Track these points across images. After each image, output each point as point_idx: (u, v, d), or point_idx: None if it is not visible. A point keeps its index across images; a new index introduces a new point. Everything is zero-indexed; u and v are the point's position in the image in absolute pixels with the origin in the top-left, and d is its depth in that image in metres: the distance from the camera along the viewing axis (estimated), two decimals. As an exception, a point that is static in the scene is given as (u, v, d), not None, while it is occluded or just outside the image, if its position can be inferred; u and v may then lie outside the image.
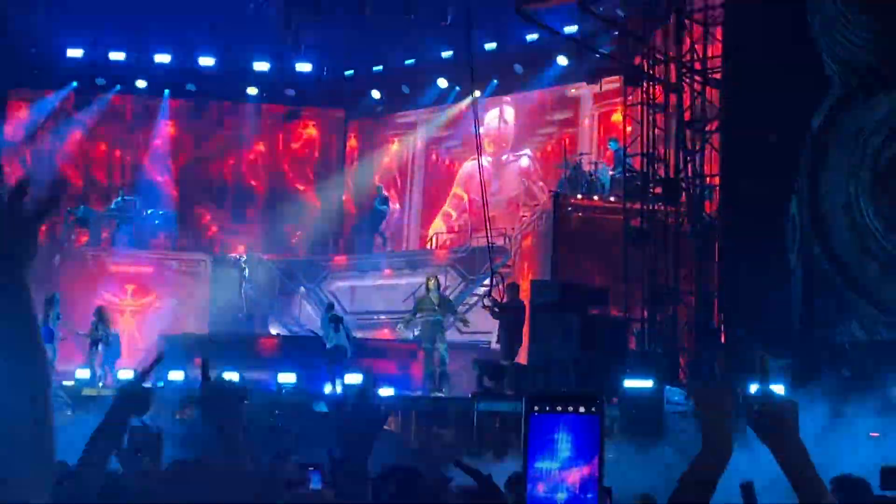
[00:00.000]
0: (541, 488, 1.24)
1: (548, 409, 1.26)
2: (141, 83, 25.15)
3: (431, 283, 16.92)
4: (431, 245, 24.47)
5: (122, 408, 2.88)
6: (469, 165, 23.84)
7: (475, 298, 20.26)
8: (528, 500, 1.24)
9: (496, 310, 15.47)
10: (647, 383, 11.58)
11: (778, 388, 11.21)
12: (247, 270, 23.35)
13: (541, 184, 23.27)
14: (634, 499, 6.08)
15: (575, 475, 1.23)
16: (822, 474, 2.37)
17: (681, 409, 11.32)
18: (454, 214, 25.31)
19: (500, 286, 16.14)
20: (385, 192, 24.78)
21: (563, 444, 1.25)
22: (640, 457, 9.67)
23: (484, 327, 18.48)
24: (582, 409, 1.26)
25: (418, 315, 16.59)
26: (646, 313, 14.08)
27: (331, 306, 18.81)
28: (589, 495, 1.23)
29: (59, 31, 24.06)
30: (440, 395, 15.24)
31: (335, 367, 15.93)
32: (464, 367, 16.47)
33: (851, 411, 9.92)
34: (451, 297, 18.64)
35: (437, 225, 25.37)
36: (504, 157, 24.55)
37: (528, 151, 24.32)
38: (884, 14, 12.37)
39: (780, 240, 12.95)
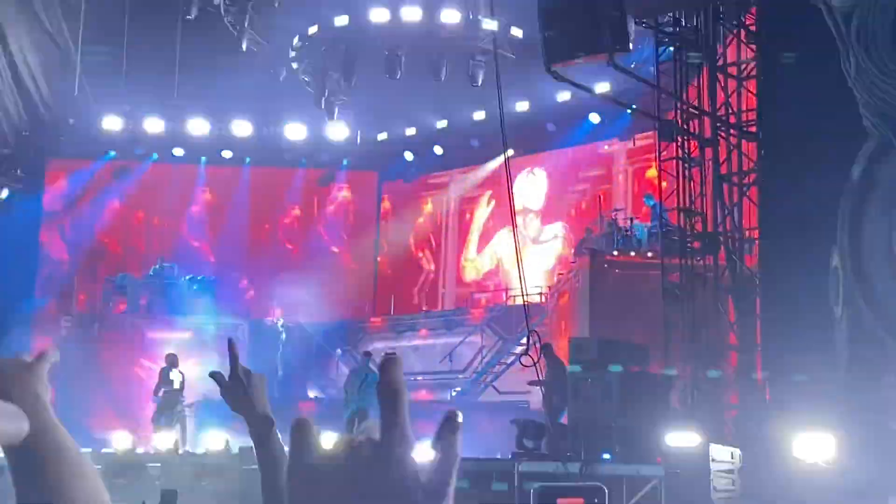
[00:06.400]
0: None
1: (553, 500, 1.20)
2: (178, 151, 25.50)
3: None
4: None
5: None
6: (502, 235, 23.83)
7: (512, 357, 20.10)
8: None
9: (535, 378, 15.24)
10: (692, 442, 11.35)
11: (826, 443, 10.98)
12: (284, 334, 23.35)
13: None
14: None
15: None
16: None
17: (726, 468, 11.08)
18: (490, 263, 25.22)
19: (538, 345, 15.98)
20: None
21: None
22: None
23: (522, 387, 18.29)
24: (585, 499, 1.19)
25: None
26: (688, 370, 13.86)
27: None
28: None
29: (97, 101, 24.47)
30: None
31: None
32: (502, 427, 16.27)
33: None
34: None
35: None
36: (539, 236, 24.35)
37: (560, 229, 23.99)
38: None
39: (822, 292, 12.75)
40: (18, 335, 20.82)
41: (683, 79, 14.52)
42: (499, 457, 14.77)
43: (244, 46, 23.59)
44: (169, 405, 17.36)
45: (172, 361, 17.96)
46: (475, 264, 25.67)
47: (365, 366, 16.09)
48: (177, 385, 17.54)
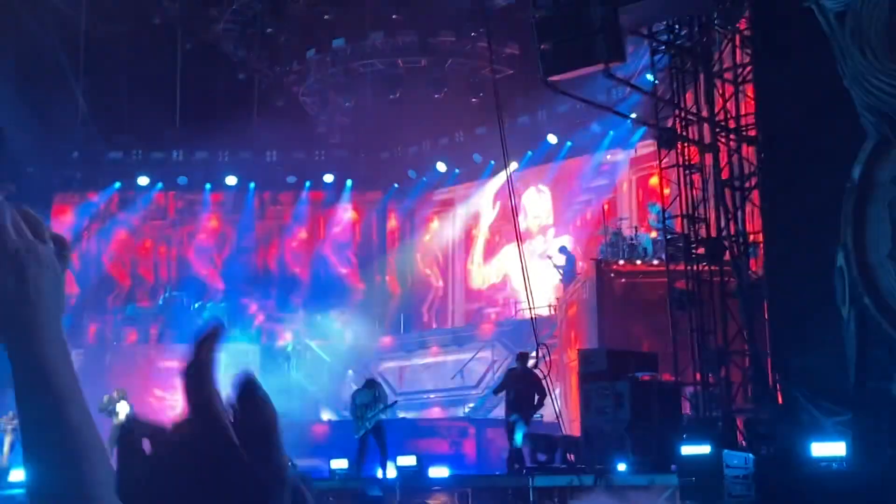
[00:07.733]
0: None
1: None
2: (182, 179, 25.60)
3: None
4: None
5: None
6: (509, 250, 23.77)
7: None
8: None
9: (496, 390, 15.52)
10: (705, 449, 11.32)
11: (839, 446, 10.96)
12: (294, 357, 23.38)
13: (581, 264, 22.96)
14: None
15: None
16: None
17: (741, 474, 11.06)
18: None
19: (548, 358, 15.99)
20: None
21: None
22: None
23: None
24: None
25: None
26: (698, 376, 13.85)
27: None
28: None
29: (100, 132, 24.63)
30: None
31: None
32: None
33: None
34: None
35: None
36: (546, 250, 24.17)
37: (567, 242, 23.78)
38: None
39: (829, 293, 12.73)
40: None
41: (680, 86, 14.56)
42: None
43: (242, 75, 23.75)
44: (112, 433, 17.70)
45: (123, 395, 18.38)
46: (482, 272, 25.67)
47: (371, 387, 16.00)
48: (122, 417, 17.95)
